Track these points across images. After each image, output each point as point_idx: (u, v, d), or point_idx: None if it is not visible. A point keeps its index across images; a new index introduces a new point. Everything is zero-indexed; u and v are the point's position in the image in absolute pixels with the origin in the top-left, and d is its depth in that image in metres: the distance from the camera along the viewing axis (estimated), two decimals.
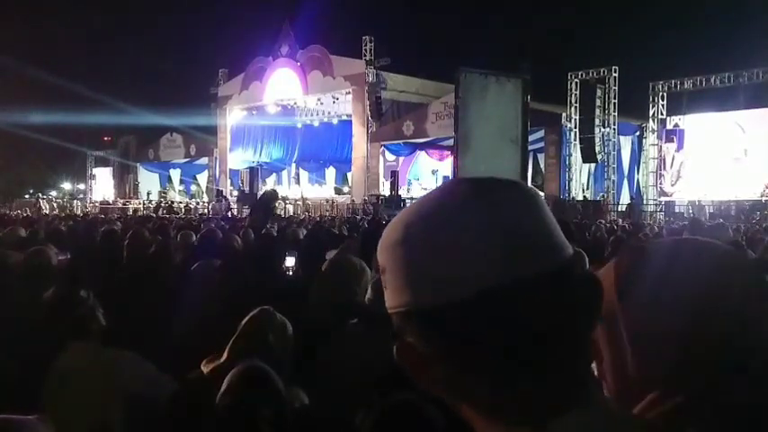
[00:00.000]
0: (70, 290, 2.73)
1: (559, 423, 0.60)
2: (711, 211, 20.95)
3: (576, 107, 23.68)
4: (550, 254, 0.64)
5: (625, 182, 25.73)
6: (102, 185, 40.62)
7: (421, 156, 31.77)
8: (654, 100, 24.95)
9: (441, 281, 0.62)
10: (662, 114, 24.92)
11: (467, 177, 0.70)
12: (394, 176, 25.08)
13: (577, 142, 23.45)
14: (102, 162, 41.31)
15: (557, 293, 0.62)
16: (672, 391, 0.72)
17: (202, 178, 37.47)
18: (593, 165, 24.05)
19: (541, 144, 24.01)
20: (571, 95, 23.91)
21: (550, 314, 0.62)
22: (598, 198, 23.43)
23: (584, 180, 24.63)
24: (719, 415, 0.70)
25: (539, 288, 0.62)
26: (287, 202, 30.13)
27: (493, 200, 0.65)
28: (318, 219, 17.02)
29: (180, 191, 38.78)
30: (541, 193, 24.51)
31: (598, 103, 23.11)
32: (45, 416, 1.49)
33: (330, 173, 36.07)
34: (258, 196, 11.94)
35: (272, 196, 11.26)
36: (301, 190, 32.82)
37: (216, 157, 34.64)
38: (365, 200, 26.03)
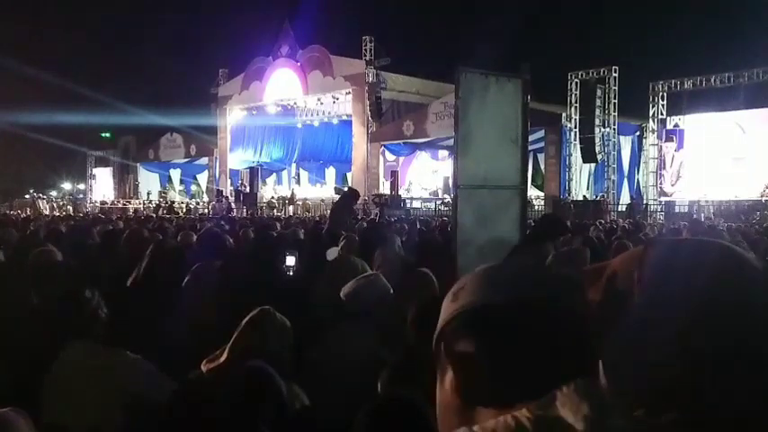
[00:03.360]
0: (71, 290, 2.73)
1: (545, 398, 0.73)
2: (712, 210, 20.96)
3: (576, 107, 23.68)
4: (557, 292, 0.86)
5: (625, 182, 25.74)
6: (102, 185, 40.62)
7: (421, 156, 31.79)
8: (654, 100, 24.95)
9: (490, 289, 0.86)
10: (662, 114, 24.92)
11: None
12: (394, 176, 25.08)
13: (577, 142, 23.45)
14: (102, 162, 41.32)
15: (557, 314, 0.82)
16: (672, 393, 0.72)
17: (202, 178, 37.48)
18: (593, 165, 24.05)
19: (541, 144, 24.01)
20: (571, 95, 23.92)
21: (549, 327, 0.81)
22: (598, 198, 23.43)
23: (585, 180, 24.64)
24: (715, 416, 0.70)
25: (545, 307, 0.83)
26: (287, 202, 30.17)
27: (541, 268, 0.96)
28: (318, 219, 17.02)
29: (180, 191, 38.78)
30: (541, 194, 24.52)
31: (598, 103, 23.12)
32: (24, 409, 1.49)
33: (330, 173, 36.07)
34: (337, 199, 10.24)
35: (352, 197, 9.61)
36: (293, 189, 32.79)
37: (216, 157, 34.65)
38: (365, 200, 26.03)
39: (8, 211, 26.25)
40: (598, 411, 0.69)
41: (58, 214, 25.05)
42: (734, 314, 0.72)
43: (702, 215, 19.96)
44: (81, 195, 42.25)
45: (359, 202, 25.82)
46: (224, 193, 29.95)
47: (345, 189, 10.75)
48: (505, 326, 0.82)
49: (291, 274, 4.15)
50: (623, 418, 0.69)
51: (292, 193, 30.83)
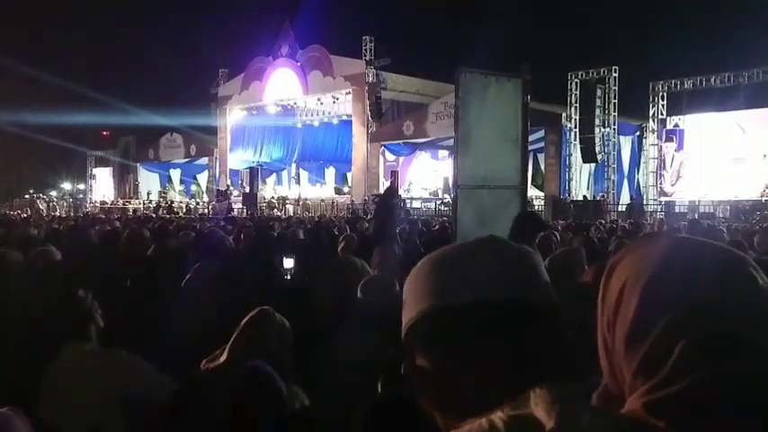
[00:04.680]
0: (69, 290, 2.73)
1: (519, 399, 0.73)
2: (711, 210, 20.96)
3: (576, 107, 23.68)
4: (527, 288, 0.83)
5: (625, 182, 25.74)
6: (102, 185, 40.61)
7: (421, 156, 31.78)
8: (654, 100, 24.95)
9: (446, 290, 0.82)
10: (662, 114, 24.92)
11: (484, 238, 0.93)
12: (394, 176, 25.02)
13: (577, 142, 23.45)
14: (102, 162, 41.31)
15: (524, 316, 0.81)
16: (662, 382, 0.72)
17: (202, 178, 37.47)
18: (593, 165, 24.05)
19: (541, 144, 24.01)
20: (571, 95, 23.91)
21: (516, 330, 0.80)
22: (598, 198, 23.44)
23: (585, 180, 24.64)
24: (707, 409, 0.70)
25: (512, 308, 0.81)
26: (287, 201, 30.18)
27: (495, 247, 0.88)
28: (318, 219, 17.03)
29: (180, 191, 38.78)
30: (541, 194, 24.52)
31: (598, 103, 23.12)
32: (21, 409, 1.50)
33: (330, 173, 36.08)
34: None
35: (389, 193, 9.39)
36: (296, 191, 32.78)
37: (216, 157, 34.66)
38: (365, 200, 26.03)
39: (8, 211, 26.25)
40: (571, 410, 0.68)
41: (57, 214, 25.04)
42: (731, 313, 0.72)
43: (717, 214, 19.92)
44: (81, 195, 42.24)
45: (358, 202, 25.87)
46: (224, 193, 29.98)
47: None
48: (454, 332, 0.80)
49: (289, 277, 4.14)
50: (598, 416, 0.69)
51: (299, 196, 30.83)
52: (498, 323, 0.79)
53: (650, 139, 25.36)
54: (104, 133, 40.97)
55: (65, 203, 36.00)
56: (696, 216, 18.20)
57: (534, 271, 0.85)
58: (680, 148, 24.07)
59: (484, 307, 0.79)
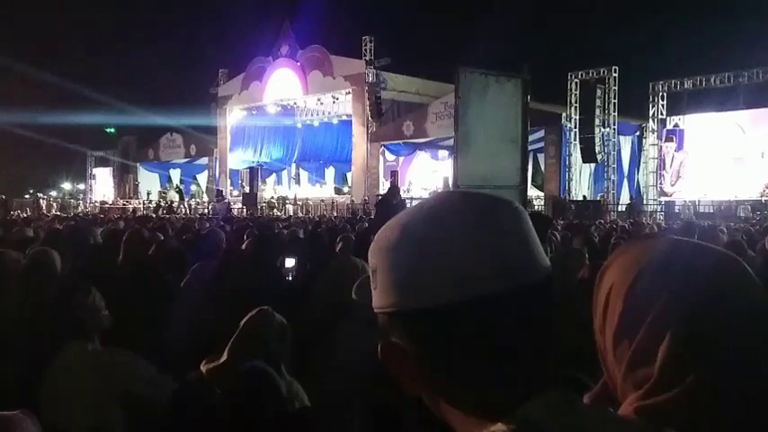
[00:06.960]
0: (70, 290, 2.73)
1: (522, 409, 0.64)
2: (712, 211, 20.96)
3: (575, 107, 23.68)
4: (526, 274, 0.67)
5: (625, 182, 25.73)
6: (102, 185, 40.61)
7: (421, 156, 31.77)
8: (654, 100, 24.95)
9: (428, 285, 0.66)
10: (662, 114, 24.92)
11: (462, 191, 0.75)
12: (394, 176, 25.07)
13: (577, 142, 23.45)
14: (102, 162, 41.32)
15: (524, 309, 0.66)
16: (656, 388, 0.72)
17: (202, 178, 37.46)
18: (593, 165, 24.05)
19: (541, 144, 24.00)
20: (571, 95, 23.91)
21: (515, 328, 0.66)
22: (598, 198, 23.43)
23: (585, 180, 24.63)
24: (706, 416, 0.70)
25: (510, 303, 0.66)
26: (287, 202, 30.18)
27: (483, 216, 0.68)
28: (318, 219, 17.03)
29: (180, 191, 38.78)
30: (541, 194, 24.41)
31: (598, 103, 23.11)
32: (30, 411, 1.50)
33: (330, 173, 36.05)
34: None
35: (390, 193, 8.92)
36: (295, 191, 32.75)
37: (216, 157, 34.65)
38: (365, 200, 26.04)
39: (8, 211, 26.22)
40: (574, 418, 0.65)
41: (59, 214, 25.02)
42: (718, 317, 0.72)
43: (739, 213, 19.89)
44: (81, 195, 42.23)
45: (358, 202, 25.84)
46: (224, 193, 29.97)
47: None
48: (425, 337, 0.67)
49: (290, 278, 4.15)
50: (600, 422, 0.67)
51: (295, 196, 30.86)
52: (486, 325, 0.66)
53: (650, 139, 25.36)
54: (108, 131, 40.90)
55: (69, 204, 35.99)
56: (687, 215, 18.21)
57: (524, 242, 0.68)
58: (680, 148, 24.07)
59: (466, 307, 0.65)
